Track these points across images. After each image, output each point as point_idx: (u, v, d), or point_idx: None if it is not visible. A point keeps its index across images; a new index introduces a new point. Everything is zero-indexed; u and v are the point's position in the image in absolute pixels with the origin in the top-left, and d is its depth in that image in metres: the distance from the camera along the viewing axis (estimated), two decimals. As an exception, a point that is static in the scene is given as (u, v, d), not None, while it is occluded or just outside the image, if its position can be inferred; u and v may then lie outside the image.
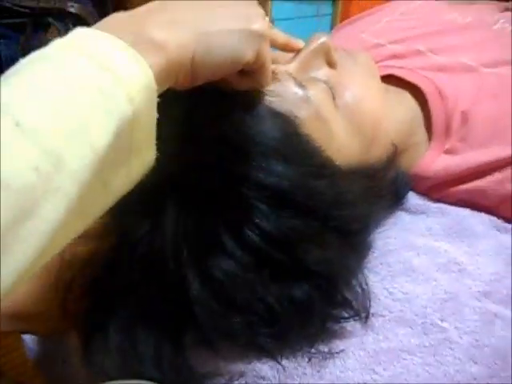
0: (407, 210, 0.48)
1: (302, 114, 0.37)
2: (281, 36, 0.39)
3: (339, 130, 0.39)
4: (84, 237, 0.30)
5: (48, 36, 0.89)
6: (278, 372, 0.33)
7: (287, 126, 0.34)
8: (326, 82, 0.40)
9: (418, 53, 0.55)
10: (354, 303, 0.34)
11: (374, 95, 0.42)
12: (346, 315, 0.34)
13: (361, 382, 0.32)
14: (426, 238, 0.43)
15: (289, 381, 0.33)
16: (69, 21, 0.91)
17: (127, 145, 0.24)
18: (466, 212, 0.46)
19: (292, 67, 0.40)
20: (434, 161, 0.48)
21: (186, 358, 0.34)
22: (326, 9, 1.85)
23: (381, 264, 0.40)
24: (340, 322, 0.34)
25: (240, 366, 0.34)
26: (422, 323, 0.35)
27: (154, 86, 0.24)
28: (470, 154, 0.46)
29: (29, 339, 0.42)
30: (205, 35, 0.26)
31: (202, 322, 0.32)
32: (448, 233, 0.44)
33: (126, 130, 0.23)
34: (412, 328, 0.35)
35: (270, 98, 0.36)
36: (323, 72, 0.41)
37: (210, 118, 0.32)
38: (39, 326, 0.38)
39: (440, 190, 0.48)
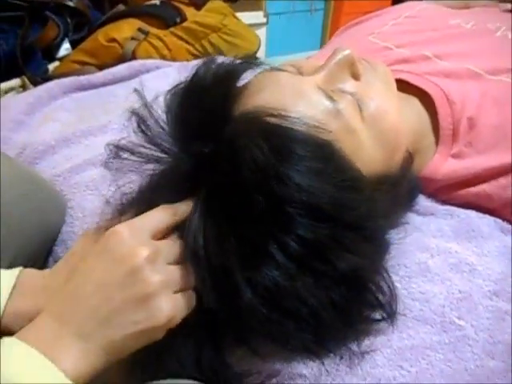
0: (417, 212, 0.51)
1: (333, 127, 0.38)
2: None
3: (366, 141, 0.40)
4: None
5: (46, 30, 0.87)
6: (313, 369, 0.36)
7: (321, 144, 0.36)
8: (352, 94, 0.41)
9: (425, 58, 0.57)
10: (385, 305, 0.37)
11: (395, 105, 0.44)
12: (378, 316, 0.37)
13: (391, 377, 0.35)
14: (438, 240, 0.46)
15: (324, 377, 0.36)
16: (66, 14, 0.90)
17: None
18: (472, 214, 0.49)
19: (319, 79, 0.41)
20: (442, 164, 0.51)
21: (224, 358, 0.37)
22: (319, 4, 1.86)
23: (398, 265, 0.43)
24: (371, 323, 0.37)
25: (277, 365, 0.36)
26: (441, 321, 0.38)
27: None
28: (477, 159, 0.49)
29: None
30: (112, 344, 0.31)
31: (250, 328, 0.34)
32: (457, 234, 0.47)
33: None
34: (432, 326, 0.38)
35: (302, 114, 0.37)
36: (350, 84, 0.42)
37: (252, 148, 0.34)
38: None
39: (447, 192, 0.51)
